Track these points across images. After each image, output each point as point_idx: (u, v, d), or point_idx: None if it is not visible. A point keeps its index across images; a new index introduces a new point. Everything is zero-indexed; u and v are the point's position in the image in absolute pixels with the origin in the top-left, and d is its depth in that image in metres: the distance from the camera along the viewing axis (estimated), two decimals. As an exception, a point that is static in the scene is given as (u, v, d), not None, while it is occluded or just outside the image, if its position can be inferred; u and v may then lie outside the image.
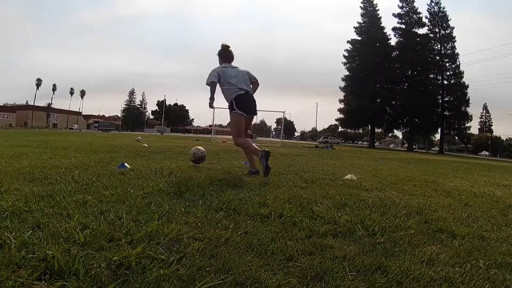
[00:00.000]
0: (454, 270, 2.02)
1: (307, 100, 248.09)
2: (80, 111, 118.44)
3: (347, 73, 63.43)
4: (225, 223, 2.64)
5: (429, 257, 2.20)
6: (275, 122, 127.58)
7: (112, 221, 2.46)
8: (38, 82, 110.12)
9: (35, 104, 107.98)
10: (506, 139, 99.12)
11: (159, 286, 1.60)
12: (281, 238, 2.38)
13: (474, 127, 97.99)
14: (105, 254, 1.87)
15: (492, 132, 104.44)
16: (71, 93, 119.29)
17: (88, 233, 2.15)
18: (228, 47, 5.73)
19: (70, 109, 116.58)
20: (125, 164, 5.51)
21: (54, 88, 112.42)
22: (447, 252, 2.33)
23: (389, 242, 2.48)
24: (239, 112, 5.44)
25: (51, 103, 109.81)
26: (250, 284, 1.69)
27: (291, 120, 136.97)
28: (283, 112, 32.76)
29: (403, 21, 60.48)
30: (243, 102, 5.46)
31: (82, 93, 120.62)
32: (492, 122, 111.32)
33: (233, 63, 5.75)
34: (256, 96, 5.78)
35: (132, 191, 3.55)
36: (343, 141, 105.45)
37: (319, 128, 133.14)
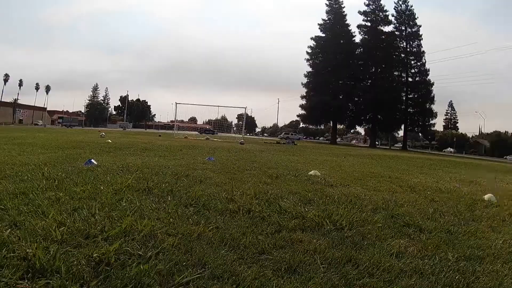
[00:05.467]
0: (423, 262, 2.13)
1: (268, 95, 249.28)
2: (45, 106, 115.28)
3: (310, 69, 64.33)
4: (196, 219, 2.69)
5: (397, 250, 2.30)
6: (236, 118, 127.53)
7: (86, 217, 2.47)
8: (6, 78, 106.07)
9: (1, 100, 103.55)
10: (472, 136, 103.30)
11: (140, 281, 1.62)
12: (251, 232, 2.44)
13: (439, 124, 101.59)
14: (84, 251, 1.89)
15: (458, 129, 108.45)
16: (37, 88, 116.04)
17: (64, 231, 2.16)
18: None
19: (35, 105, 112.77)
20: (92, 160, 5.56)
21: (21, 83, 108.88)
22: (415, 245, 2.45)
23: (357, 235, 2.58)
24: None
25: (17, 99, 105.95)
26: (227, 277, 1.73)
27: (252, 116, 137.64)
28: (245, 108, 32.91)
29: (368, 18, 61.74)
30: None
31: (48, 89, 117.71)
32: (457, 120, 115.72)
33: None
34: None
35: (102, 187, 3.56)
36: (305, 137, 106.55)
37: (280, 124, 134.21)
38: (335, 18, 64.52)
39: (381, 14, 61.95)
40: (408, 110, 59.82)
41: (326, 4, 65.34)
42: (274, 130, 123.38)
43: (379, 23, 61.66)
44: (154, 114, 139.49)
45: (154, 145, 11.63)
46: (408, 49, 60.66)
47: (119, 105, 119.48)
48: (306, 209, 3.23)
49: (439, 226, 3.03)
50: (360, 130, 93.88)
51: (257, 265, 1.90)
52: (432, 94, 58.90)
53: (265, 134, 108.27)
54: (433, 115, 59.53)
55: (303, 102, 65.91)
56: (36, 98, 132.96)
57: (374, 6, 62.13)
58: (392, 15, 61.78)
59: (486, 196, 4.80)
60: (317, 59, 65.29)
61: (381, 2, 62.07)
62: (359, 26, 62.97)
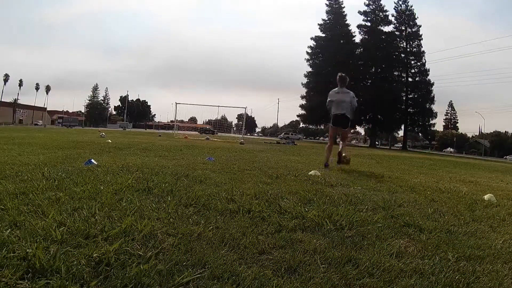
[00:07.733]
0: (423, 262, 2.13)
1: (268, 95, 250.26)
2: (45, 106, 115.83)
3: (310, 69, 64.52)
4: (196, 219, 2.70)
5: (397, 250, 2.30)
6: (236, 118, 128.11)
7: (86, 218, 2.48)
8: (6, 78, 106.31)
9: (1, 100, 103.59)
10: (472, 136, 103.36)
11: (140, 281, 1.63)
12: (251, 232, 2.45)
13: (439, 124, 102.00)
14: (84, 251, 1.89)
15: (458, 129, 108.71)
16: (37, 88, 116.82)
17: (64, 231, 2.16)
18: (342, 74, 8.66)
19: (35, 105, 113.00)
20: (92, 160, 5.60)
21: (21, 83, 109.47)
22: (415, 245, 2.45)
23: (357, 236, 2.58)
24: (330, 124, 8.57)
25: (17, 99, 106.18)
26: (227, 277, 1.74)
27: (252, 116, 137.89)
28: (245, 108, 32.99)
29: (368, 18, 62.12)
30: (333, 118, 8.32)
31: (48, 89, 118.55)
32: (457, 120, 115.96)
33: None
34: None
35: (102, 187, 3.57)
36: (305, 137, 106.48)
37: (280, 124, 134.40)
38: (335, 18, 64.85)
39: (381, 14, 62.23)
40: (408, 110, 60.10)
41: (326, 4, 65.67)
42: (274, 130, 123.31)
43: (379, 23, 61.91)
44: (154, 114, 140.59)
45: (154, 145, 11.66)
46: (408, 49, 60.88)
47: (119, 105, 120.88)
48: (306, 209, 3.23)
49: (439, 226, 3.03)
50: (360, 130, 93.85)
51: (257, 265, 1.91)
52: (432, 94, 59.13)
53: (279, 135, 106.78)
54: (433, 115, 59.77)
55: (303, 102, 66.12)
56: (36, 98, 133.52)
57: (374, 6, 62.38)
58: (392, 15, 62.05)
59: (486, 196, 4.80)
60: (317, 59, 65.49)
61: (381, 2, 62.28)
62: (359, 26, 63.28)
